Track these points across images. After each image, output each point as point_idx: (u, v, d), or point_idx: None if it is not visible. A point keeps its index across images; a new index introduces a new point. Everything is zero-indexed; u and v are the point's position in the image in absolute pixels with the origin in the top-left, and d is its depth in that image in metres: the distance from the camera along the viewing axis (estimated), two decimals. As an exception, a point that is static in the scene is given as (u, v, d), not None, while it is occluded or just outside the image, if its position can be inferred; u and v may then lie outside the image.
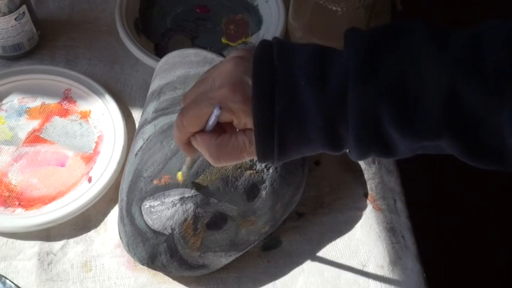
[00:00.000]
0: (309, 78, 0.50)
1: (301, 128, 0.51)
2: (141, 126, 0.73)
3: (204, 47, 0.90)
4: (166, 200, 0.67)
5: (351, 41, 0.50)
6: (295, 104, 0.50)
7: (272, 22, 0.92)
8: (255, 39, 0.93)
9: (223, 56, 0.76)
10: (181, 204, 0.67)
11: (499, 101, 0.46)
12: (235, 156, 0.54)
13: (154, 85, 0.75)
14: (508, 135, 0.47)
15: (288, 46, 0.52)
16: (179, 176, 0.67)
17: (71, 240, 0.74)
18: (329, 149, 0.53)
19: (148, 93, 0.76)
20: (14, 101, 0.83)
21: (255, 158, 0.53)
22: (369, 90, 0.49)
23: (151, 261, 0.68)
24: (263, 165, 0.69)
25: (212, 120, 0.53)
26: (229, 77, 0.52)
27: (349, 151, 0.54)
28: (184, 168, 0.66)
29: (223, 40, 0.93)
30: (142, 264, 0.69)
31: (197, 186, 0.67)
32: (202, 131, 0.55)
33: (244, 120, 0.52)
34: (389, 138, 0.50)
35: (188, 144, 0.57)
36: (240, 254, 0.72)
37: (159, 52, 0.89)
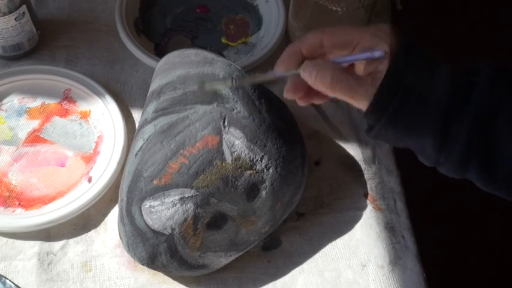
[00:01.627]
0: (448, 76, 0.53)
1: (421, 107, 0.53)
2: (141, 126, 0.73)
3: (204, 47, 0.90)
4: (166, 200, 0.67)
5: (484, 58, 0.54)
6: (428, 80, 0.53)
7: (272, 22, 0.92)
8: (255, 39, 0.93)
9: (223, 56, 0.76)
10: (181, 204, 0.67)
11: None
12: (352, 90, 0.56)
13: (154, 85, 0.75)
14: None
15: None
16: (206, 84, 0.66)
17: (71, 240, 0.74)
18: (434, 142, 0.54)
19: (148, 93, 0.76)
20: (14, 101, 0.83)
21: (363, 107, 0.56)
22: (495, 90, 0.52)
23: (151, 261, 0.68)
24: (263, 165, 0.69)
25: (359, 57, 0.57)
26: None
27: (447, 160, 0.55)
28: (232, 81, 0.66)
29: (223, 40, 0.93)
30: (142, 264, 0.69)
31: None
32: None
33: (381, 68, 0.55)
34: (498, 139, 0.52)
35: (295, 56, 0.59)
36: (240, 254, 0.72)
37: (159, 52, 0.89)
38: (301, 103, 0.63)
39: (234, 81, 0.67)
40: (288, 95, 0.62)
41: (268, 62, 0.87)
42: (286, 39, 0.91)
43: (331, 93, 0.58)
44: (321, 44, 0.60)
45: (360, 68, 0.58)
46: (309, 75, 0.58)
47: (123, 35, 0.88)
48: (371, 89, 0.55)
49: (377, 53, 0.55)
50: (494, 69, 0.53)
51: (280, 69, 0.61)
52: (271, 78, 0.62)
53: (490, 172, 0.53)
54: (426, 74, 0.54)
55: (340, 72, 0.56)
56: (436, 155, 0.55)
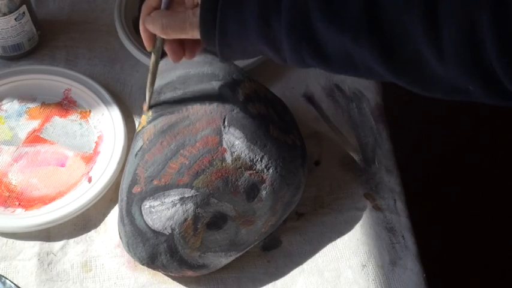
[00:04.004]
0: None
1: (240, 15, 0.56)
2: (141, 126, 0.73)
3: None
4: (166, 200, 0.67)
5: None
6: None
7: None
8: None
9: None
10: (181, 204, 0.67)
11: (408, 6, 0.49)
12: (180, 25, 0.61)
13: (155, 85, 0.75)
14: (420, 42, 0.50)
15: None
16: (145, 107, 0.71)
17: (71, 240, 0.74)
18: (265, 44, 0.57)
19: (148, 93, 0.76)
20: (14, 101, 0.83)
21: (198, 36, 0.60)
22: None
23: (151, 261, 0.68)
24: (263, 165, 0.69)
25: None
26: None
27: (287, 57, 0.57)
28: (147, 89, 0.69)
29: None
30: (142, 264, 0.69)
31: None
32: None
33: None
34: (317, 33, 0.54)
35: (147, 31, 0.64)
36: (240, 254, 0.72)
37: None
38: (186, 57, 0.67)
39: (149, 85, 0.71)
40: (172, 59, 0.67)
41: (267, 62, 0.87)
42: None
43: (169, 37, 0.63)
44: (152, 7, 0.64)
45: (189, 3, 0.62)
46: (149, 27, 0.64)
47: (121, 34, 0.88)
48: (194, 19, 0.59)
49: None
50: None
51: (148, 46, 0.67)
52: (156, 59, 0.68)
53: (322, 61, 0.56)
54: None
55: (165, 17, 0.62)
56: (276, 55, 0.58)
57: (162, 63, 0.77)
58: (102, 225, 0.75)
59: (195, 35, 0.61)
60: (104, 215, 0.76)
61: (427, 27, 0.49)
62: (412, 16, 0.50)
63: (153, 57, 0.68)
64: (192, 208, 0.67)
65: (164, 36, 0.63)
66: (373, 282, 0.73)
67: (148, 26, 0.64)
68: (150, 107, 0.72)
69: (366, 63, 0.54)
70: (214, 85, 0.72)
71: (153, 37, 0.65)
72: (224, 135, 0.69)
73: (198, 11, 0.59)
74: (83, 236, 0.74)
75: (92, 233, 0.75)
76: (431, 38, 0.49)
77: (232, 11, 0.57)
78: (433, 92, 0.54)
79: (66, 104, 0.83)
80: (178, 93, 0.72)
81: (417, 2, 0.50)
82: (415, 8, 0.49)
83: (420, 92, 0.54)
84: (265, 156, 0.69)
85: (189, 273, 0.70)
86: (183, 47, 0.66)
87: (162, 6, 0.63)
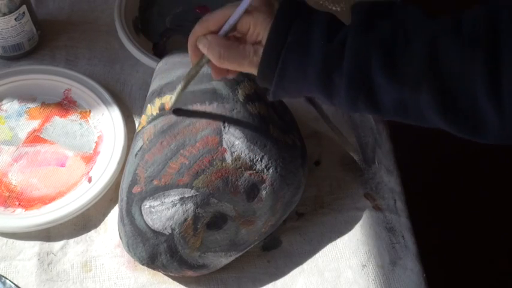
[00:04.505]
0: (324, 24, 0.58)
1: (302, 63, 0.57)
2: (141, 126, 0.73)
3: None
4: (166, 200, 0.67)
5: (357, 5, 0.58)
6: (306, 40, 0.57)
7: None
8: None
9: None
10: (181, 205, 0.67)
11: (472, 58, 0.52)
12: (238, 60, 0.60)
13: (155, 85, 0.75)
14: (479, 94, 0.52)
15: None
16: (167, 99, 0.69)
17: (71, 240, 0.74)
18: (322, 93, 0.59)
19: (148, 93, 0.76)
20: (14, 101, 0.83)
21: (253, 72, 0.60)
22: (364, 39, 0.55)
23: (151, 261, 0.68)
24: (263, 165, 0.69)
25: (235, 16, 0.60)
26: None
27: (340, 105, 0.59)
28: (175, 92, 0.68)
29: None
30: (142, 264, 0.69)
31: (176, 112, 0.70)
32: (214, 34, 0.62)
33: (259, 31, 0.59)
34: (376, 85, 0.56)
35: (196, 47, 0.63)
36: (240, 254, 0.72)
37: (157, 52, 0.89)
38: (229, 76, 0.67)
39: (178, 92, 0.69)
40: (214, 76, 0.66)
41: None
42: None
43: (223, 66, 0.62)
44: (209, 30, 0.63)
45: (250, 38, 0.62)
46: (202, 49, 0.62)
47: (121, 34, 0.88)
48: (254, 58, 0.59)
49: (245, 4, 0.59)
50: (364, 18, 0.57)
51: (193, 60, 0.65)
52: (196, 72, 0.66)
53: (378, 111, 0.58)
54: (303, 33, 0.57)
55: (226, 48, 0.60)
56: (329, 101, 0.59)
57: (162, 63, 0.77)
58: (102, 225, 0.75)
59: (252, 71, 0.61)
60: (104, 215, 0.76)
61: (487, 80, 0.51)
62: (473, 69, 0.52)
63: (193, 70, 0.66)
64: (192, 208, 0.67)
65: (217, 65, 0.62)
66: (373, 282, 0.73)
67: (203, 49, 0.62)
68: (173, 110, 0.71)
69: (420, 111, 0.56)
70: (214, 85, 0.72)
71: (200, 55, 0.64)
72: (224, 135, 0.69)
73: (260, 50, 0.59)
74: (83, 236, 0.74)
75: (92, 233, 0.75)
76: (491, 90, 0.51)
77: (296, 59, 0.58)
78: (484, 139, 0.56)
79: (66, 104, 0.83)
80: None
81: (479, 55, 0.51)
82: (477, 61, 0.51)
83: (470, 138, 0.56)
84: (265, 156, 0.69)
85: (189, 273, 0.70)
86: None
87: (221, 32, 0.61)
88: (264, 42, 0.58)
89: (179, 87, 0.68)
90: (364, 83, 0.56)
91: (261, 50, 0.59)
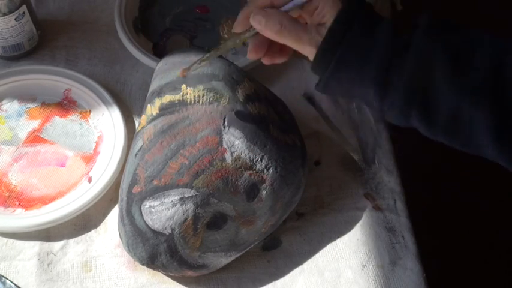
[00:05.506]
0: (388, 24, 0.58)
1: (364, 53, 0.57)
2: (141, 126, 0.73)
3: (202, 48, 0.90)
4: (166, 200, 0.67)
5: (427, 11, 0.58)
6: (371, 32, 0.57)
7: None
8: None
9: (222, 56, 0.76)
10: (181, 205, 0.67)
11: None
12: (299, 35, 0.59)
13: (155, 85, 0.75)
14: None
15: None
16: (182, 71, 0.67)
17: (71, 240, 0.74)
18: (374, 94, 0.57)
19: (149, 93, 0.76)
20: (14, 101, 0.83)
21: (309, 55, 0.60)
22: (432, 43, 0.55)
23: (151, 261, 0.68)
24: (263, 165, 0.69)
25: None
26: None
27: (390, 109, 0.58)
28: (206, 55, 0.66)
29: (222, 41, 0.93)
30: (142, 264, 0.69)
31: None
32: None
33: (325, 13, 0.59)
34: (435, 96, 0.55)
35: (246, 19, 0.62)
36: (240, 254, 0.72)
37: (157, 52, 0.89)
38: (265, 61, 0.66)
39: (206, 56, 0.67)
40: (251, 55, 0.65)
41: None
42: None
43: (279, 40, 0.61)
44: (271, 3, 0.62)
45: (315, 19, 0.61)
46: (258, 23, 0.61)
47: (121, 34, 0.88)
48: (316, 36, 0.59)
49: None
50: (431, 23, 0.57)
51: (237, 30, 0.64)
52: (234, 44, 0.65)
53: (429, 121, 0.57)
54: (369, 26, 0.57)
55: (287, 20, 0.60)
56: (379, 104, 0.58)
57: (162, 63, 0.77)
58: (102, 225, 0.75)
59: (307, 51, 0.60)
60: (104, 215, 0.76)
61: None
62: None
63: (231, 41, 0.64)
64: (192, 208, 0.67)
65: (275, 36, 0.61)
66: (373, 282, 0.73)
67: (258, 23, 0.60)
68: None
69: (473, 129, 0.54)
70: (214, 85, 0.72)
71: (247, 26, 0.62)
72: (224, 135, 0.69)
73: (323, 30, 0.58)
74: (83, 236, 0.74)
75: (92, 233, 0.75)
76: None
77: (359, 46, 0.57)
78: None
79: (66, 104, 0.83)
80: (178, 93, 0.72)
81: None
82: None
83: None
84: (265, 156, 0.69)
85: (189, 273, 0.70)
86: (271, 49, 0.64)
87: (286, 7, 0.61)
88: (328, 25, 0.58)
89: (207, 55, 0.66)
90: (424, 86, 0.55)
91: (323, 31, 0.58)
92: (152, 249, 0.68)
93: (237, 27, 0.64)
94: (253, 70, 0.84)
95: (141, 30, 0.92)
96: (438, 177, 1.46)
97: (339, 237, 0.76)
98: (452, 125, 0.55)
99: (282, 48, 0.65)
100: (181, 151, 0.68)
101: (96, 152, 0.79)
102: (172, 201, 0.67)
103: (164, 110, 0.71)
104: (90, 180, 0.77)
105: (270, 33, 0.61)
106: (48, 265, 0.72)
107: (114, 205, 0.76)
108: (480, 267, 1.37)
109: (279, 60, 0.66)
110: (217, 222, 0.68)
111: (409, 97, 0.56)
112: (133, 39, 0.88)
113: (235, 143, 0.69)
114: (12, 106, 0.83)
